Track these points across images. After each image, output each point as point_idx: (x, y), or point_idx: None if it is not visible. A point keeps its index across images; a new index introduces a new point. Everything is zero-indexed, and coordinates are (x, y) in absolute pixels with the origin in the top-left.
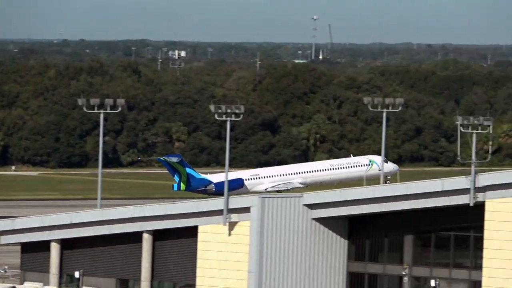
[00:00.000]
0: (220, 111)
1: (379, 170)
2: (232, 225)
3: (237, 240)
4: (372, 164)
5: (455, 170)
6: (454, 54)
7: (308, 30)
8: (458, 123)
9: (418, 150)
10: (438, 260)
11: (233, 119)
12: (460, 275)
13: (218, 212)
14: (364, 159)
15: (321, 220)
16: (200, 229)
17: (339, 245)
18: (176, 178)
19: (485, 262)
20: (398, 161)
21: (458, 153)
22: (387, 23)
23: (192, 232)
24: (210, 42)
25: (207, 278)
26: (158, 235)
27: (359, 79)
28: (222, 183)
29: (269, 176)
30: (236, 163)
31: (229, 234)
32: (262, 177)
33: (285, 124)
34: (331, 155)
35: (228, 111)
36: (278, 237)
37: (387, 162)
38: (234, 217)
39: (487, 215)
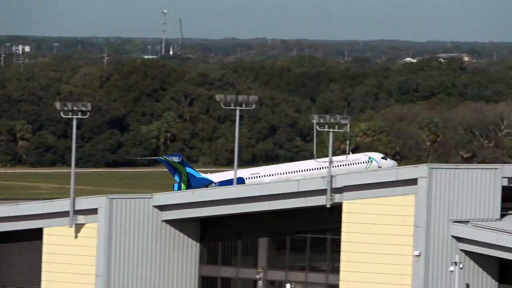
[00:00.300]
0: (66, 108)
1: (378, 167)
2: (78, 227)
3: (84, 243)
4: (371, 161)
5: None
6: (309, 50)
7: (157, 24)
8: (314, 121)
9: (273, 149)
10: (293, 264)
11: (80, 117)
12: (316, 279)
13: (64, 214)
14: (363, 156)
15: (171, 222)
16: (45, 231)
17: (190, 248)
18: (177, 178)
19: (342, 266)
20: (252, 160)
21: (314, 152)
22: (240, 18)
23: (37, 234)
24: (56, 36)
25: (53, 282)
26: (2, 238)
27: (211, 75)
28: (224, 182)
29: (270, 175)
30: (83, 163)
31: (76, 237)
32: (262, 176)
33: (134, 122)
34: (182, 154)
35: (74, 108)
36: (127, 239)
37: (386, 159)
38: (80, 219)
39: (344, 217)
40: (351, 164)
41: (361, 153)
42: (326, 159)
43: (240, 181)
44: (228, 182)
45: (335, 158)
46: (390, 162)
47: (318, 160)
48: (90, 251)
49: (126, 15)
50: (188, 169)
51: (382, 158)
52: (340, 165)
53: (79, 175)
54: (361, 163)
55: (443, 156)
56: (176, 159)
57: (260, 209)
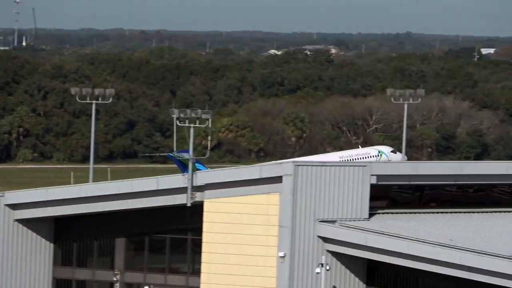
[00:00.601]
0: None
1: (388, 160)
2: None
3: None
4: (381, 154)
5: (172, 167)
6: (169, 42)
7: (10, 14)
8: (175, 116)
9: (131, 145)
10: (152, 265)
11: None
12: (176, 281)
13: None
14: (372, 150)
15: (24, 222)
16: None
17: (44, 249)
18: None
19: (204, 267)
20: (109, 157)
21: (175, 148)
22: (96, 8)
23: None
24: None
25: None
26: None
27: (66, 67)
28: None
29: None
30: None
31: None
32: None
33: None
34: (36, 150)
35: None
36: None
37: (395, 153)
38: None
39: (205, 216)
40: (360, 158)
41: (370, 147)
42: (346, 152)
43: None
44: None
45: (343, 153)
46: (399, 156)
47: (341, 152)
48: None
49: None
50: (198, 166)
51: (392, 151)
52: (351, 159)
53: None
54: (370, 157)
55: (310, 153)
56: (186, 155)
57: (116, 208)
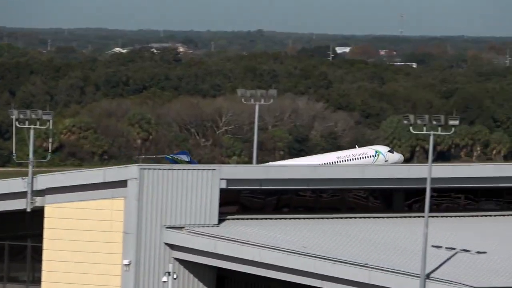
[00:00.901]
0: None
1: (385, 161)
2: None
3: None
4: (378, 154)
5: (11, 170)
6: (9, 39)
7: None
8: (14, 117)
9: None
10: None
11: None
12: None
13: None
14: (369, 150)
15: None
16: None
17: None
18: None
19: (44, 276)
20: None
21: (14, 151)
22: None
23: None
24: None
25: None
26: None
27: None
28: None
29: None
30: None
31: None
32: None
33: None
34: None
35: None
36: None
37: (392, 152)
38: None
39: (46, 222)
40: (357, 158)
41: (367, 147)
42: (343, 152)
43: None
44: None
45: (340, 153)
46: (396, 156)
47: (339, 153)
48: None
49: None
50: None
51: (389, 151)
52: (348, 159)
53: None
54: (367, 157)
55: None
56: (185, 157)
57: None
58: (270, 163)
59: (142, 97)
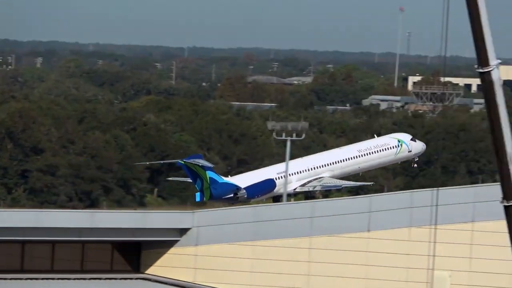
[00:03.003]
0: None
1: (408, 151)
2: None
3: None
4: (401, 144)
5: None
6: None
7: None
8: None
9: None
10: None
11: None
12: None
13: None
14: (391, 139)
15: None
16: None
17: None
18: (198, 185)
19: None
20: None
21: None
22: None
23: None
24: None
25: None
26: None
27: None
28: (254, 187)
29: (296, 173)
30: None
31: None
32: (290, 174)
33: None
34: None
35: None
36: None
37: (415, 141)
38: None
39: None
40: (381, 150)
41: (387, 136)
42: (364, 144)
43: (271, 183)
44: (258, 186)
45: (360, 145)
46: (420, 144)
47: (359, 145)
48: None
49: None
50: (210, 173)
51: (411, 139)
52: (371, 152)
53: None
54: (391, 147)
55: None
56: (200, 162)
57: None
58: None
59: None
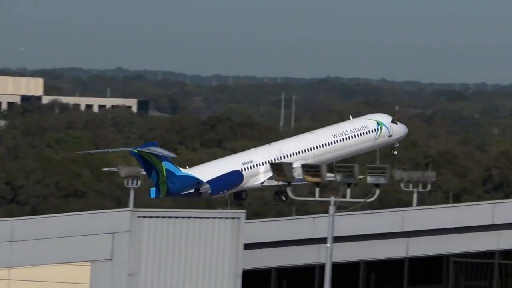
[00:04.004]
0: None
1: (389, 136)
2: None
3: None
4: (381, 127)
5: None
6: None
7: None
8: None
9: None
10: None
11: None
12: None
13: None
14: (369, 121)
15: None
16: None
17: None
18: (153, 178)
19: None
20: None
21: None
22: None
23: None
24: None
25: None
26: None
27: None
28: (219, 180)
29: (263, 163)
30: None
31: None
32: (256, 165)
33: None
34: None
35: None
36: None
37: (396, 123)
38: None
39: None
40: (359, 134)
41: (364, 117)
42: (339, 127)
43: (239, 176)
44: (223, 179)
45: (335, 129)
46: (401, 127)
47: (333, 128)
48: None
49: None
50: (166, 164)
51: (392, 121)
52: (347, 137)
53: None
54: (370, 131)
55: None
56: (157, 150)
57: None
58: None
59: None
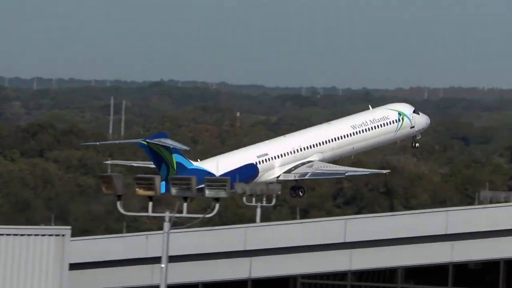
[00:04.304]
0: None
1: (411, 127)
2: None
3: None
4: (402, 118)
5: None
6: None
7: None
8: None
9: None
10: None
11: None
12: None
13: None
14: (390, 111)
15: None
16: None
17: None
18: (164, 172)
19: None
20: None
21: None
22: None
23: None
24: None
25: None
26: None
27: None
28: (233, 174)
29: (279, 156)
30: None
31: None
32: (271, 158)
33: None
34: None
35: None
36: None
37: (418, 114)
38: None
39: None
40: (379, 126)
41: (385, 106)
42: (358, 117)
43: (254, 170)
44: (238, 173)
45: (354, 119)
46: (423, 118)
47: (352, 119)
48: None
49: None
50: (177, 157)
51: (414, 112)
52: (367, 129)
53: None
54: (391, 122)
55: None
56: (168, 142)
57: None
58: None
59: None
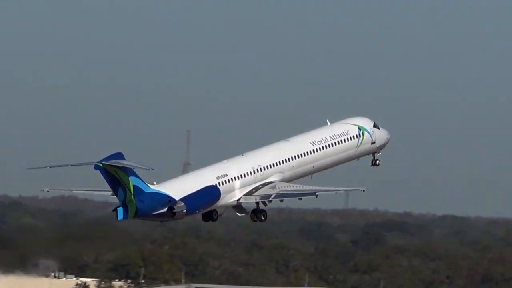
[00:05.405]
0: None
1: (372, 143)
2: None
3: None
4: (363, 133)
5: None
6: None
7: None
8: None
9: None
10: None
11: None
12: None
13: None
14: (349, 125)
15: None
16: None
17: None
18: (121, 196)
19: None
20: None
21: None
22: None
23: None
24: None
25: None
26: None
27: None
28: (194, 198)
29: (239, 177)
30: None
31: None
32: (231, 179)
33: None
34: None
35: None
36: None
37: (378, 128)
38: None
39: None
40: (338, 142)
41: (343, 121)
42: (317, 133)
43: (215, 192)
44: (199, 196)
45: (313, 136)
46: (383, 132)
47: (310, 135)
48: None
49: None
50: (134, 180)
51: (374, 126)
52: (327, 145)
53: None
54: (352, 138)
55: None
56: (125, 163)
57: None
58: None
59: None
